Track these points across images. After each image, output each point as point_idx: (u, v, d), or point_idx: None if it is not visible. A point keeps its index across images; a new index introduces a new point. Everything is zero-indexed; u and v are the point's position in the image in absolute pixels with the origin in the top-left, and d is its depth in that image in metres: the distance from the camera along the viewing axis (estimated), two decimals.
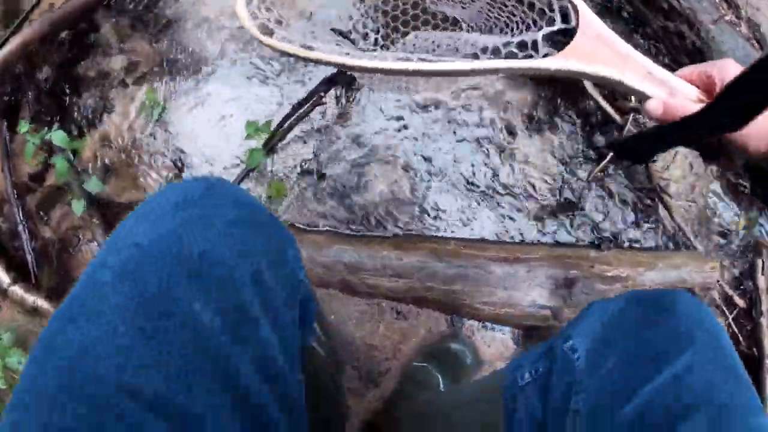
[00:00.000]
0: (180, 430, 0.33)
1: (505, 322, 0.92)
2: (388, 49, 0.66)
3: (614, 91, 1.00)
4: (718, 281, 0.95)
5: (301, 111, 0.98)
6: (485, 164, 1.00)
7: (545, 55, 0.54)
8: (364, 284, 0.93)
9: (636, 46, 0.53)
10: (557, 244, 0.96)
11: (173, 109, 1.08)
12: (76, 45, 1.14)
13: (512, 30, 0.59)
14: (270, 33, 0.56)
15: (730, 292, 0.97)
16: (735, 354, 0.44)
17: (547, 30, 0.55)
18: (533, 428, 0.51)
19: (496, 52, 0.57)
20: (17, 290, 1.02)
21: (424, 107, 1.03)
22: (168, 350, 0.34)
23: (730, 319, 0.96)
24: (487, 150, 1.00)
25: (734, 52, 1.02)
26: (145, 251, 0.37)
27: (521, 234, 0.97)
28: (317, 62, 0.54)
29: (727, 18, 1.05)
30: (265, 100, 1.05)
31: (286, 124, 0.99)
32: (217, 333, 0.36)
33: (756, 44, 1.07)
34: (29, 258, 1.07)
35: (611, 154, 0.97)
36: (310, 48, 0.55)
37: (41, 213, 1.09)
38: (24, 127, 1.05)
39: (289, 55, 0.54)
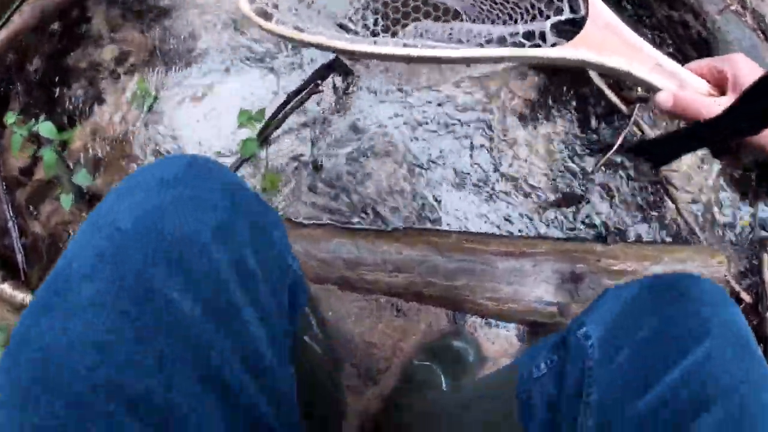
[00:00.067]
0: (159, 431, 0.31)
1: (509, 319, 0.91)
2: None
3: (620, 81, 0.99)
4: (724, 276, 0.94)
5: (297, 99, 0.96)
6: (487, 155, 0.98)
7: (554, 45, 0.54)
8: (362, 280, 0.91)
9: (640, 36, 0.53)
10: (563, 237, 0.95)
11: (165, 99, 1.06)
12: (67, 35, 1.13)
13: (516, 21, 0.59)
14: (269, 17, 0.55)
15: (737, 287, 0.96)
16: (751, 334, 0.42)
17: (555, 19, 0.55)
18: (547, 411, 0.50)
19: (501, 42, 0.57)
20: (6, 288, 1.01)
21: (424, 97, 1.01)
22: (146, 342, 0.32)
23: None
24: (489, 141, 0.99)
25: (740, 42, 1.01)
26: (125, 234, 0.35)
27: (525, 226, 0.96)
28: (317, 47, 0.53)
29: (732, 8, 1.04)
30: (261, 89, 1.04)
31: (281, 113, 0.97)
32: (198, 322, 0.35)
33: (761, 35, 1.07)
34: (19, 256, 1.05)
35: (617, 144, 0.95)
36: (302, 32, 0.53)
37: (31, 208, 1.08)
38: (11, 118, 1.04)
39: (288, 39, 0.53)
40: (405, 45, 0.54)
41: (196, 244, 0.36)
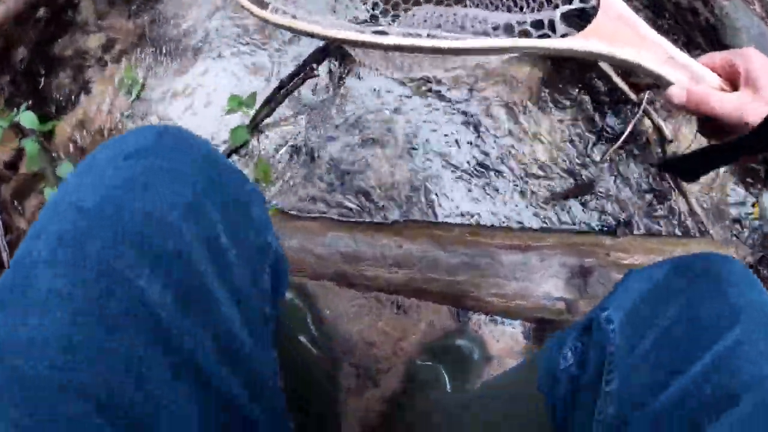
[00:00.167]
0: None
1: (516, 316, 0.89)
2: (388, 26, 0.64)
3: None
4: None
5: (291, 84, 0.93)
6: (491, 145, 0.96)
7: (563, 35, 0.53)
8: (361, 275, 0.89)
9: (646, 21, 0.52)
10: (570, 230, 0.93)
11: (154, 86, 1.04)
12: (54, 22, 1.10)
13: (522, 9, 0.58)
14: (264, 5, 0.54)
15: None
16: None
17: (565, 8, 0.54)
18: (571, 388, 0.49)
19: (508, 30, 0.56)
20: None
21: (425, 85, 0.99)
22: (113, 334, 0.30)
23: None
24: (494, 130, 0.97)
25: (749, 30, 1.02)
26: (88, 214, 0.32)
27: (532, 218, 0.94)
28: (313, 36, 0.51)
29: None
30: (253, 75, 1.01)
31: (274, 99, 0.94)
32: (168, 309, 0.32)
33: None
34: (4, 254, 1.02)
35: (625, 134, 0.94)
36: (297, 19, 0.52)
37: (15, 203, 1.04)
38: None
39: (283, 28, 0.51)
40: (405, 35, 0.53)
41: (165, 222, 0.33)
